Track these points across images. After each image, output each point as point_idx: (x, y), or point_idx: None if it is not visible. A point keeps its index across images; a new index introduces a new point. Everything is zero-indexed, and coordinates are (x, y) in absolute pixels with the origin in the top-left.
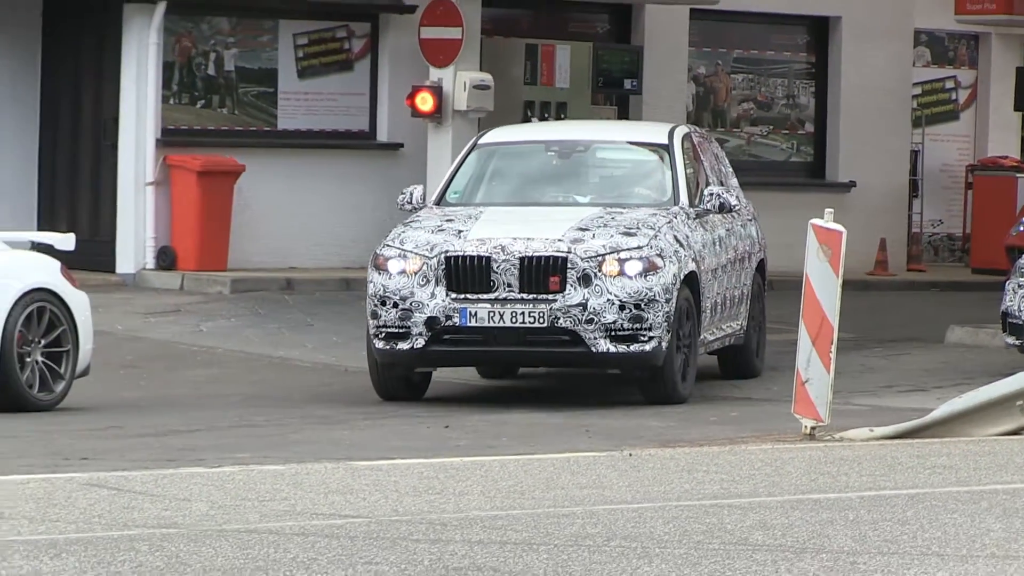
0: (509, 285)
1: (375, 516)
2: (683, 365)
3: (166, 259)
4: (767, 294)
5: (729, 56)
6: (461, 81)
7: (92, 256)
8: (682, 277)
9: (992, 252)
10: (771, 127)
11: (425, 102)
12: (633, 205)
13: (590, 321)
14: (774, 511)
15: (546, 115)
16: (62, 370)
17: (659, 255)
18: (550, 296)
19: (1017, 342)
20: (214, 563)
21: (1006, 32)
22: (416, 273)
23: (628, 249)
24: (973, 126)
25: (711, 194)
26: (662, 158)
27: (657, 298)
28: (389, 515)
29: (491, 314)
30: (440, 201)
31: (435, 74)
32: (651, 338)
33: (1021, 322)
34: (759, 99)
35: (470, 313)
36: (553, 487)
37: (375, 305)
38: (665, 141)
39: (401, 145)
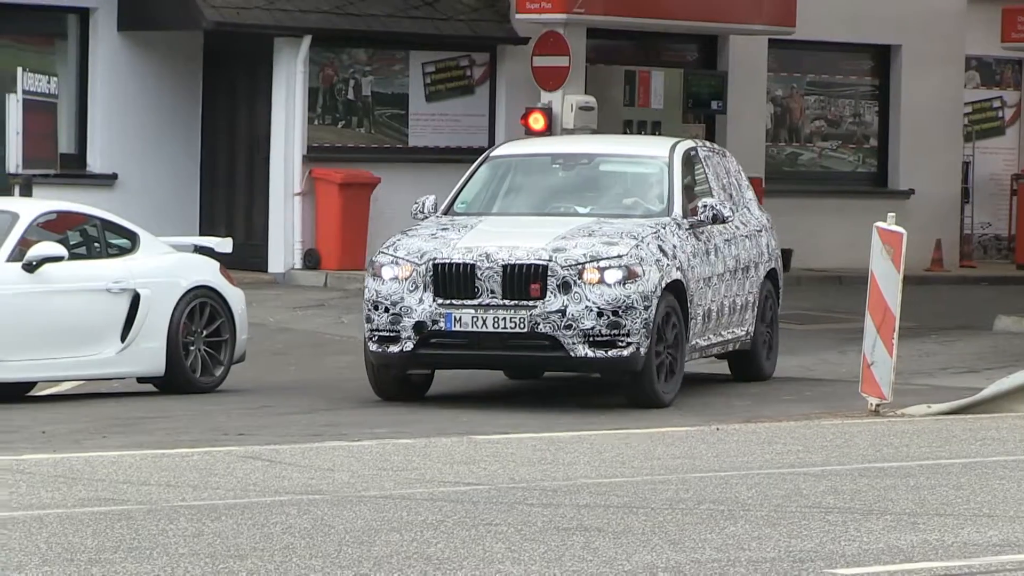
0: (492, 292)
1: (494, 483)
2: (667, 370)
3: (311, 260)
4: (839, 287)
5: (803, 80)
6: (569, 103)
7: (247, 257)
8: (664, 285)
9: None
10: (840, 142)
11: (537, 121)
12: (628, 216)
13: (568, 327)
14: (844, 478)
15: (642, 132)
16: (221, 357)
17: (639, 263)
18: (531, 302)
19: None
20: (354, 524)
21: None
22: (406, 279)
23: (608, 258)
24: (1017, 140)
25: (704, 205)
26: (661, 171)
27: (635, 305)
28: (507, 482)
29: (475, 319)
30: (448, 211)
31: (546, 97)
32: (629, 344)
33: None
34: (829, 117)
35: (455, 318)
36: (650, 458)
37: (368, 309)
38: (665, 155)
39: None
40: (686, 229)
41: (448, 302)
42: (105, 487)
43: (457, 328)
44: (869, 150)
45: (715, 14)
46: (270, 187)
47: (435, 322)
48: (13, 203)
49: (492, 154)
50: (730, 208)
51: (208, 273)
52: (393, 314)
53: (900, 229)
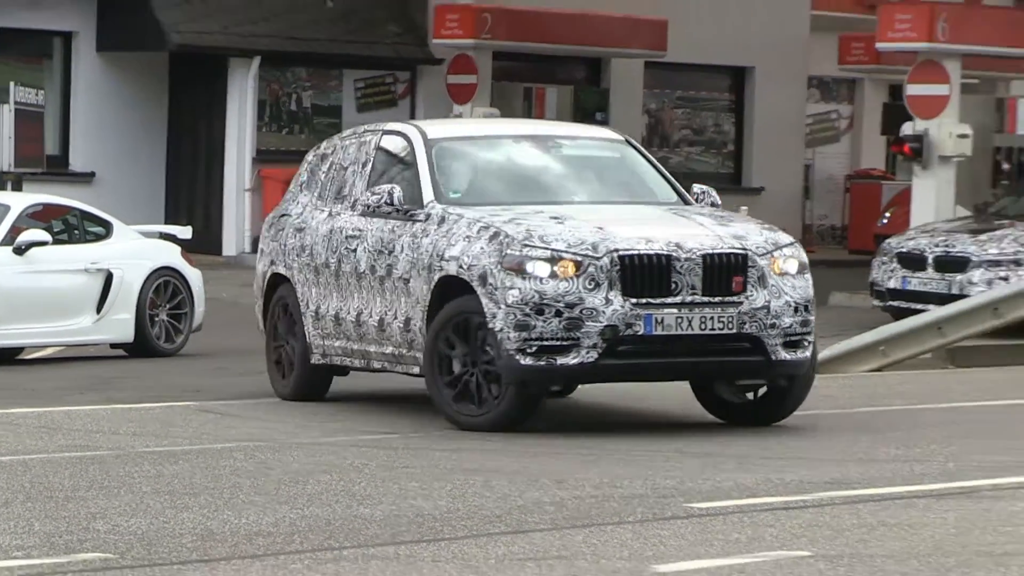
0: (693, 287)
1: (409, 432)
2: None
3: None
4: None
5: (672, 95)
6: (477, 114)
7: (204, 243)
8: None
9: (864, 238)
10: (703, 148)
11: None
12: (652, 203)
13: (772, 326)
14: (695, 429)
15: None
16: (181, 326)
17: (803, 252)
18: (736, 299)
19: (880, 304)
20: (291, 467)
21: (876, 77)
22: (579, 276)
23: (786, 246)
24: (850, 146)
25: (703, 191)
26: (624, 156)
27: (813, 299)
28: (420, 431)
29: (679, 320)
30: (442, 201)
31: (457, 109)
32: (809, 343)
33: (883, 289)
34: (694, 127)
35: (656, 320)
36: (542, 410)
37: (524, 314)
38: (621, 138)
39: None
40: None
41: (644, 301)
42: (81, 436)
43: (659, 332)
44: (727, 154)
45: (599, 40)
46: (224, 184)
47: (630, 325)
48: (5, 196)
49: (431, 137)
50: None
51: (171, 256)
52: (570, 318)
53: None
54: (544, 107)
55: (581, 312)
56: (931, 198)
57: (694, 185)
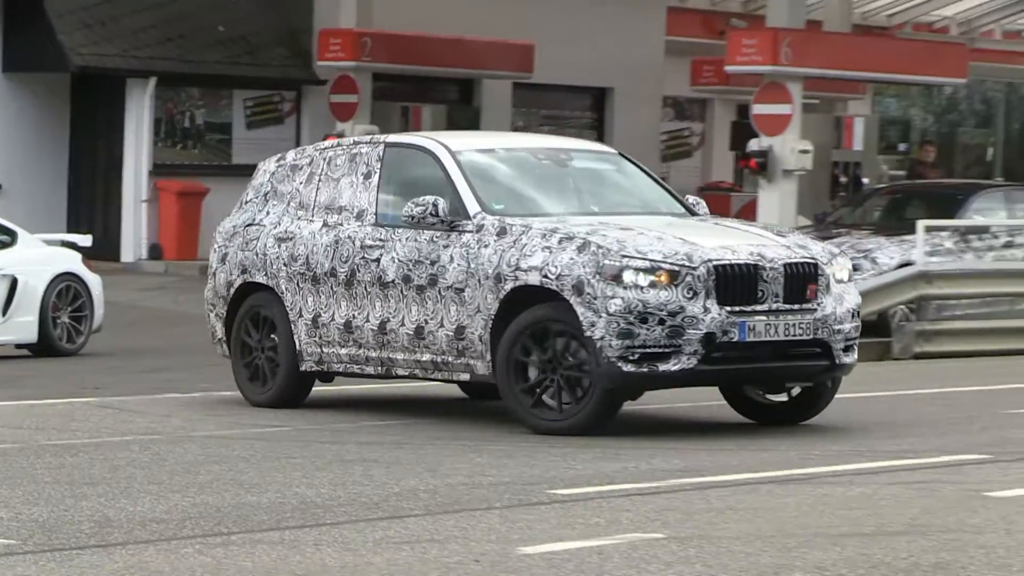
0: (776, 295)
1: (294, 425)
2: None
3: (155, 252)
4: None
5: (539, 114)
6: (358, 131)
7: (104, 250)
8: None
9: None
10: None
11: None
12: (669, 214)
13: (838, 331)
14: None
15: None
16: (83, 328)
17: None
18: (811, 306)
19: None
20: (184, 458)
21: (725, 97)
22: (677, 285)
23: (838, 255)
24: (702, 161)
25: (697, 202)
26: (623, 167)
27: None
28: (304, 425)
29: (768, 327)
30: (490, 212)
31: (339, 126)
32: (857, 347)
33: None
34: None
35: (748, 327)
36: (417, 404)
37: (628, 323)
38: (614, 150)
39: None
40: None
41: (737, 309)
42: None
43: (750, 338)
44: None
45: (471, 62)
46: (123, 195)
47: (726, 332)
48: None
49: (455, 148)
50: None
51: (72, 262)
52: (672, 326)
53: None
54: (420, 124)
55: (683, 320)
56: (775, 208)
57: (687, 196)
